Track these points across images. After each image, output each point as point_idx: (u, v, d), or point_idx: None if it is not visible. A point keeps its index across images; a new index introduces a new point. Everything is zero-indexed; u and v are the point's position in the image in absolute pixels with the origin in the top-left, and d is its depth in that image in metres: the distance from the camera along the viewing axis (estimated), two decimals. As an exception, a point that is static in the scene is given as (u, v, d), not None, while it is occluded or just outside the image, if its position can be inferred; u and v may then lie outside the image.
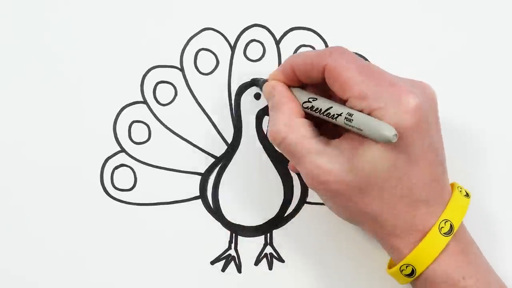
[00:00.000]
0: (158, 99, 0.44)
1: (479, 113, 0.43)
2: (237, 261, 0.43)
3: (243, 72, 0.44)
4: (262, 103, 0.43)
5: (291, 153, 0.37)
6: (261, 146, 0.43)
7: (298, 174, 0.43)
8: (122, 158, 0.43)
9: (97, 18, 0.44)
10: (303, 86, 0.39)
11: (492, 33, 0.43)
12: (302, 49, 0.44)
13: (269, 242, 0.43)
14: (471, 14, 0.43)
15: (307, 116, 0.38)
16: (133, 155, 0.43)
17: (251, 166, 0.43)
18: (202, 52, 0.44)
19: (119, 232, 0.43)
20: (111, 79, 0.44)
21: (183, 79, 0.44)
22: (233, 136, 0.44)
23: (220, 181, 0.43)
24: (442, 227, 0.35)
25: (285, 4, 0.44)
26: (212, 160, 0.43)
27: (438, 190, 0.36)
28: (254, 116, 0.43)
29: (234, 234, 0.43)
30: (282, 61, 0.43)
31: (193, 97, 0.44)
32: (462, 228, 0.37)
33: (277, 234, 0.43)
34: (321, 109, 0.36)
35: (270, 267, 0.43)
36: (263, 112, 0.43)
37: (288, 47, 0.44)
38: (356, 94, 0.34)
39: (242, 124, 0.43)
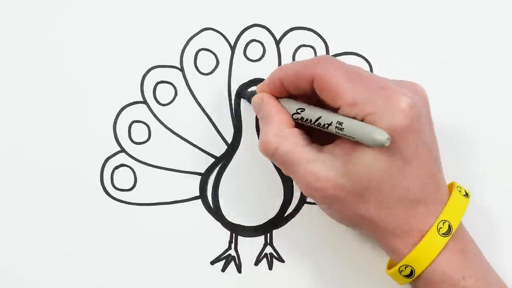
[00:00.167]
0: (158, 99, 0.44)
1: (479, 113, 0.43)
2: (237, 261, 0.43)
3: (243, 72, 0.44)
4: (262, 103, 0.43)
5: (285, 163, 0.37)
6: (261, 146, 0.43)
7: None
8: (122, 158, 0.43)
9: (97, 18, 0.44)
10: (292, 96, 0.39)
11: (492, 33, 0.43)
12: (301, 50, 0.44)
13: (269, 242, 0.43)
14: (471, 14, 0.43)
15: (298, 125, 0.38)
16: (133, 155, 0.43)
17: (251, 166, 0.43)
18: (202, 52, 0.44)
19: (119, 232, 0.43)
20: (111, 79, 0.44)
21: (183, 79, 0.44)
22: (233, 136, 0.44)
23: (220, 181, 0.43)
24: (440, 228, 0.35)
25: (285, 4, 0.44)
26: (212, 160, 0.43)
27: (434, 188, 0.36)
28: (254, 116, 0.43)
29: (234, 234, 0.43)
30: (282, 61, 0.43)
31: (193, 97, 0.44)
32: (461, 228, 0.37)
33: (277, 234, 0.43)
34: (311, 120, 0.36)
35: (270, 267, 0.43)
36: (263, 112, 0.43)
37: (288, 47, 0.44)
38: (347, 102, 0.34)
39: (242, 124, 0.43)
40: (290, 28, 0.44)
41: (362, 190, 0.34)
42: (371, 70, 0.43)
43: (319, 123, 0.36)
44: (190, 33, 0.44)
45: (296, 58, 0.43)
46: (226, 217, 0.43)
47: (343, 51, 0.43)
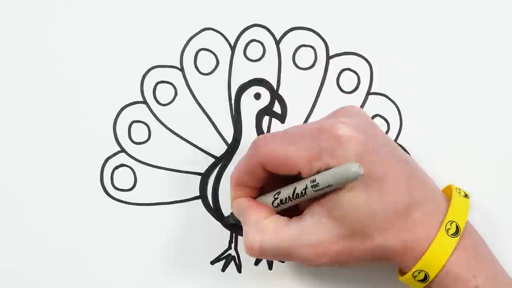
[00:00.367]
0: (158, 99, 0.44)
1: (479, 113, 0.43)
2: (237, 261, 0.43)
3: (243, 72, 0.44)
4: (262, 103, 0.43)
5: (277, 255, 0.36)
6: (261, 146, 0.43)
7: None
8: (122, 158, 0.43)
9: (97, 18, 0.44)
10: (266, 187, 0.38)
11: (492, 33, 0.43)
12: (301, 50, 0.43)
13: (269, 242, 0.43)
14: (471, 14, 0.43)
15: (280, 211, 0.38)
16: (133, 155, 0.43)
17: (251, 166, 0.43)
18: (202, 52, 0.44)
19: (119, 232, 0.43)
20: (111, 79, 0.44)
21: (183, 79, 0.44)
22: (233, 136, 0.44)
23: (220, 181, 0.43)
24: (448, 229, 0.35)
25: (285, 4, 0.44)
26: (212, 160, 0.43)
27: (420, 188, 0.35)
28: (254, 116, 0.43)
29: (234, 234, 0.43)
30: (282, 61, 0.43)
31: (193, 97, 0.44)
32: (468, 226, 0.36)
33: (277, 234, 0.43)
34: (289, 197, 0.36)
35: (270, 267, 0.43)
36: (263, 112, 0.43)
37: (288, 47, 0.44)
38: (302, 163, 0.34)
39: (242, 124, 0.43)
40: (290, 28, 0.44)
41: (359, 227, 0.34)
42: (371, 70, 0.43)
43: (297, 194, 0.36)
44: (190, 33, 0.44)
45: (296, 58, 0.43)
46: (226, 217, 0.43)
47: (343, 51, 0.43)
